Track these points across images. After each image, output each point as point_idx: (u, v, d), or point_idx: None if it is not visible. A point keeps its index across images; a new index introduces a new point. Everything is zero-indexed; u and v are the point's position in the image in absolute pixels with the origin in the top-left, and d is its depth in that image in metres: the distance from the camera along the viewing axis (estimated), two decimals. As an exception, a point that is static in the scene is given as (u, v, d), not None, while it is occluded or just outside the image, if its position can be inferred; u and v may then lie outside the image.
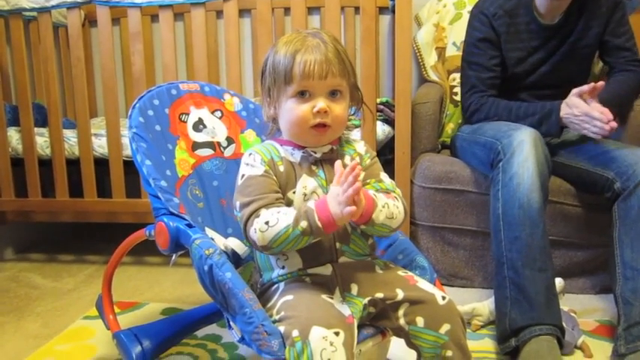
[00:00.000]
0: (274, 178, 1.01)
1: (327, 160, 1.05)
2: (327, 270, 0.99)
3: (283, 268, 1.01)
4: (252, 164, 1.02)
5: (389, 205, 1.01)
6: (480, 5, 1.84)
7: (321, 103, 0.98)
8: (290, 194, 1.01)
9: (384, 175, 1.10)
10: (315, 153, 1.04)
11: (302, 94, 0.99)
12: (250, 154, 1.04)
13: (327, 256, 1.01)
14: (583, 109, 1.53)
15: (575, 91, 1.57)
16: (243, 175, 1.02)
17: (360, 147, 1.11)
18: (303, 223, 0.92)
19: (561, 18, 1.74)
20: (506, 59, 1.80)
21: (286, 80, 0.99)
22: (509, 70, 1.81)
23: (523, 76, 1.81)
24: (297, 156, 1.04)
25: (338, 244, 1.01)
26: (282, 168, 1.03)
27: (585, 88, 1.54)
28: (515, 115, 1.69)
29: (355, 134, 1.85)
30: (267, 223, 0.94)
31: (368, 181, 1.07)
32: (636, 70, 1.78)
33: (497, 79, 1.81)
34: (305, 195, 1.01)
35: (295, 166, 1.03)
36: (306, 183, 1.02)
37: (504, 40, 1.78)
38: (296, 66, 0.98)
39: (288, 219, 0.93)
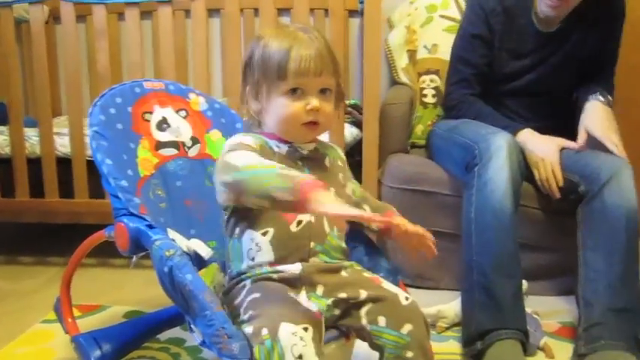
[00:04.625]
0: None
1: (311, 159, 1.05)
2: (296, 269, 0.98)
3: (253, 259, 0.99)
4: (247, 140, 0.99)
5: None
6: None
7: (314, 102, 0.97)
8: None
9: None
10: (302, 149, 1.04)
11: (294, 91, 0.98)
12: (244, 135, 1.01)
13: (300, 253, 0.99)
14: (554, 164, 1.57)
15: (559, 144, 1.60)
16: (232, 143, 0.98)
17: (340, 152, 1.14)
18: (292, 172, 0.87)
19: (559, 27, 1.70)
20: (495, 57, 1.77)
21: (279, 76, 0.97)
22: (497, 68, 1.78)
23: (509, 78, 1.78)
24: (283, 150, 1.03)
25: (312, 244, 1.00)
26: (273, 158, 1.00)
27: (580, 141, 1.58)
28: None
29: (323, 136, 1.86)
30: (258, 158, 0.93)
31: (353, 187, 1.12)
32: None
33: (484, 77, 1.79)
34: None
35: (281, 159, 1.01)
36: None
37: (498, 38, 1.74)
38: (291, 62, 0.96)
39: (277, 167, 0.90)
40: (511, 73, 1.77)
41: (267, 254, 0.99)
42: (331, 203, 0.83)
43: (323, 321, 0.92)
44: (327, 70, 0.98)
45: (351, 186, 1.13)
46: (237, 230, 1.02)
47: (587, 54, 1.74)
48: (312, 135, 1.04)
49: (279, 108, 0.99)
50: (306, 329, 0.86)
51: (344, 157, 1.14)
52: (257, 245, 0.99)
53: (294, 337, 0.84)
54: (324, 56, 0.98)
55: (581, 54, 1.73)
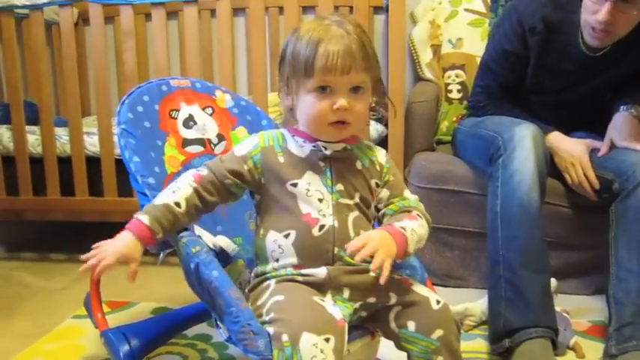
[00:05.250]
0: (249, 165, 1.00)
1: (337, 159, 1.02)
2: (321, 273, 0.96)
3: (277, 261, 0.98)
4: (246, 144, 1.03)
5: (415, 231, 0.99)
6: (521, 10, 1.63)
7: (341, 101, 0.94)
8: (289, 186, 0.98)
9: (407, 192, 1.07)
10: (325, 149, 1.00)
11: (322, 89, 0.94)
12: (255, 136, 1.04)
13: (324, 259, 0.97)
14: (585, 166, 1.54)
15: (588, 145, 1.57)
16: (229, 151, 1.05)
17: (382, 156, 1.07)
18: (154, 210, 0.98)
19: (605, 52, 1.58)
20: (530, 72, 1.68)
21: (307, 73, 0.94)
22: (531, 83, 1.70)
23: (543, 92, 1.71)
24: (306, 149, 1.01)
25: (336, 249, 0.98)
26: (281, 158, 1.00)
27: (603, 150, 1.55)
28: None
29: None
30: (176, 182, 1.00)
31: (392, 200, 1.05)
32: None
33: (510, 87, 1.73)
34: (308, 190, 0.98)
35: (300, 160, 1.00)
36: (311, 179, 0.99)
37: (535, 55, 1.64)
38: (318, 59, 0.92)
39: (165, 192, 1.00)
40: (547, 89, 1.70)
41: (290, 257, 0.97)
42: (115, 250, 0.95)
43: (346, 329, 0.90)
44: (357, 67, 0.94)
45: (386, 192, 1.06)
46: (262, 230, 1.01)
47: (629, 71, 1.65)
48: (340, 134, 0.99)
49: (307, 106, 0.96)
50: (327, 340, 0.85)
51: (384, 162, 1.07)
52: (280, 247, 0.98)
53: (315, 348, 0.83)
54: (353, 53, 0.93)
55: (625, 73, 1.65)
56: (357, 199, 1.02)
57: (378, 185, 1.05)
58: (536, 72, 1.68)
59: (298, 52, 0.95)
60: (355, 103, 0.96)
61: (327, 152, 1.00)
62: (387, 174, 1.06)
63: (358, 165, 1.04)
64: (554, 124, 1.65)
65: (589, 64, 1.61)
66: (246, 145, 1.03)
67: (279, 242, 0.98)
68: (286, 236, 0.98)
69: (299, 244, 0.97)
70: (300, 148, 1.01)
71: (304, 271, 0.97)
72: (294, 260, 0.97)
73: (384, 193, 1.06)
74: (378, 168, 1.06)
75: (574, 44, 1.60)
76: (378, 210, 1.06)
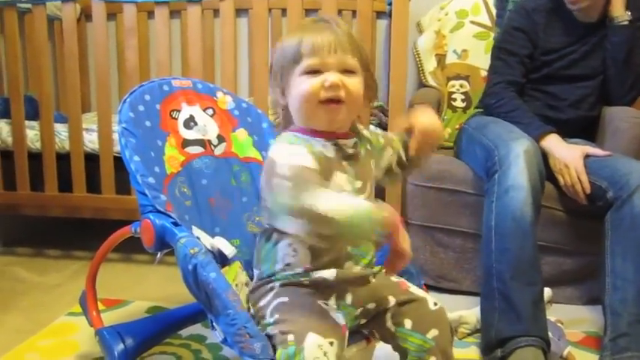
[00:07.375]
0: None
1: (353, 156, 0.99)
2: (330, 275, 0.96)
3: (289, 264, 0.96)
4: (303, 161, 0.91)
5: None
6: (522, 1, 1.89)
7: (332, 76, 0.91)
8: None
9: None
10: (347, 148, 0.98)
11: (312, 73, 0.92)
12: (292, 145, 0.94)
13: (336, 259, 0.96)
14: (578, 170, 1.56)
15: (584, 151, 1.59)
16: (297, 166, 0.90)
17: (370, 132, 1.07)
18: (384, 212, 0.85)
19: (600, 17, 1.76)
20: (540, 48, 1.81)
21: (295, 59, 0.93)
22: (542, 58, 1.81)
23: (554, 62, 1.81)
24: (330, 149, 0.96)
25: (349, 248, 0.97)
26: (314, 163, 0.93)
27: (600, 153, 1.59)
28: (512, 118, 1.71)
29: None
30: (339, 197, 0.88)
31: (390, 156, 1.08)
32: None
33: (525, 69, 1.81)
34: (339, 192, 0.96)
35: (329, 160, 0.95)
36: (339, 180, 0.96)
37: (541, 30, 1.80)
38: (304, 44, 0.92)
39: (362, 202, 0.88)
40: (555, 59, 1.80)
41: (303, 259, 0.96)
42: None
43: (347, 335, 0.91)
44: (343, 49, 0.92)
45: (387, 156, 1.07)
46: (275, 235, 0.98)
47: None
48: (335, 116, 0.94)
49: (297, 88, 0.94)
50: (332, 343, 0.85)
51: (369, 135, 1.05)
52: (294, 250, 0.96)
53: (319, 350, 0.83)
54: (339, 35, 0.93)
55: None
56: (369, 190, 1.01)
57: (373, 164, 1.05)
58: (545, 45, 1.81)
59: (285, 49, 0.96)
60: (347, 80, 0.93)
61: (350, 151, 0.98)
62: (379, 139, 1.07)
63: (363, 153, 1.02)
64: (565, 106, 1.77)
65: (588, 33, 1.78)
66: (305, 160, 0.92)
67: (294, 246, 0.96)
68: (302, 239, 0.95)
69: (316, 246, 0.94)
70: (324, 147, 0.96)
71: (313, 274, 0.96)
72: (307, 262, 0.96)
73: (387, 157, 1.07)
74: (369, 147, 1.04)
75: (571, 19, 1.78)
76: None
